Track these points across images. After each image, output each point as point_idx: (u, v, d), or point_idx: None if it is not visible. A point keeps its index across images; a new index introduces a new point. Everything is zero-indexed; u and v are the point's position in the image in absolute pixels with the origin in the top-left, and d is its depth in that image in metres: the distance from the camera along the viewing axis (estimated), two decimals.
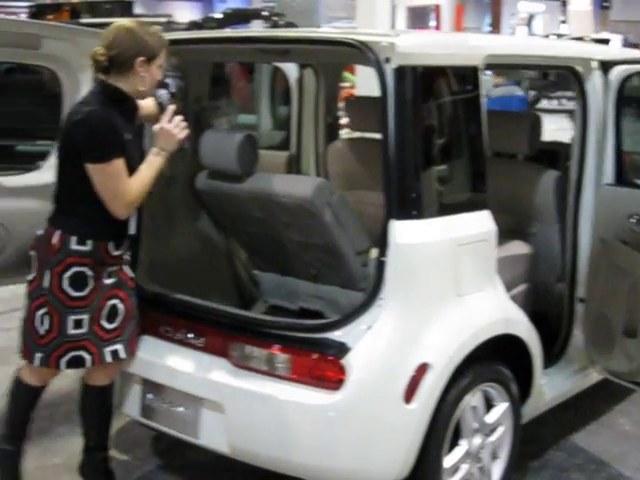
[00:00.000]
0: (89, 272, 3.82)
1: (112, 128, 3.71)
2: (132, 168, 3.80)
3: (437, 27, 42.93)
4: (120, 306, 3.94)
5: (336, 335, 3.65)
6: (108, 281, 3.90)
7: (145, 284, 4.34)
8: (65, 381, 5.50)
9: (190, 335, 4.03)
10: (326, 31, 4.73)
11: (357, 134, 5.79)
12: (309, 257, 4.55)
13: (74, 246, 3.79)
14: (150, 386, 4.13)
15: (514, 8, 63.10)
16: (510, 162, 5.31)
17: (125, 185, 3.75)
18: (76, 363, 3.92)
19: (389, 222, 3.63)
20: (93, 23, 15.62)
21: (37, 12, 30.14)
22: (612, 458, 4.84)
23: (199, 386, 3.92)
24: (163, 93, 4.03)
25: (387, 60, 3.60)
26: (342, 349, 3.59)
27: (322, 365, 3.62)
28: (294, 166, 5.90)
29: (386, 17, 10.85)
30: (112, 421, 4.29)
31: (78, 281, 3.81)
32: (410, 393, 3.58)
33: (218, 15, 20.72)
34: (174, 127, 3.88)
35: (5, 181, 4.21)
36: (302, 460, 3.67)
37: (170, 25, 17.25)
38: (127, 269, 4.03)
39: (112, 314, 3.92)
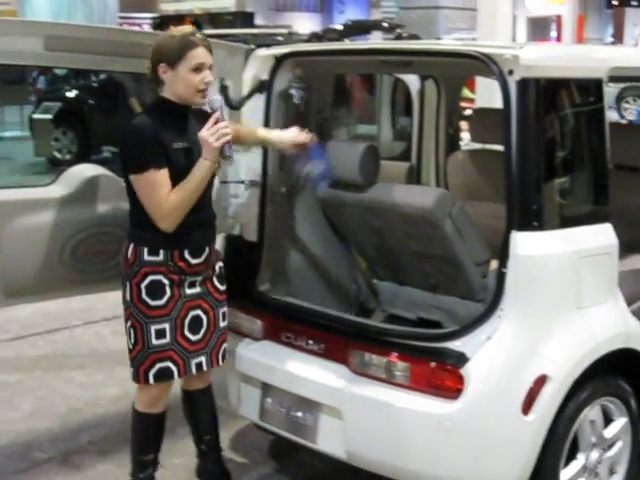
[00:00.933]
0: (165, 280, 3.83)
1: (148, 138, 3.68)
2: (182, 178, 3.76)
3: (558, 38, 42.51)
4: (203, 317, 3.97)
5: (455, 345, 3.68)
6: (190, 291, 3.92)
7: (267, 291, 4.44)
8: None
9: (310, 341, 4.10)
10: (449, 43, 4.76)
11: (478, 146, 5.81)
12: (428, 267, 4.58)
13: (147, 257, 3.82)
14: (270, 390, 4.22)
15: (637, 18, 61.96)
16: (634, 175, 5.24)
17: (160, 197, 3.69)
18: (164, 375, 3.94)
19: (510, 233, 3.65)
20: (215, 34, 15.94)
21: (160, 23, 30.91)
22: None
23: (318, 392, 3.99)
24: (216, 99, 3.84)
25: (510, 72, 3.62)
26: (461, 359, 3.61)
27: (441, 374, 3.65)
28: (414, 177, 5.94)
29: (507, 28, 10.79)
30: (218, 422, 4.38)
31: (155, 289, 3.83)
32: (528, 405, 3.58)
33: (338, 26, 20.83)
34: (211, 134, 3.72)
35: None
36: (417, 468, 3.70)
37: (291, 36, 17.44)
38: (217, 280, 4.04)
39: (195, 325, 3.94)
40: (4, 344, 6.72)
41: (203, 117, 3.84)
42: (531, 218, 3.65)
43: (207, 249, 3.96)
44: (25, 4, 38.43)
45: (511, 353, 3.62)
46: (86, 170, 4.23)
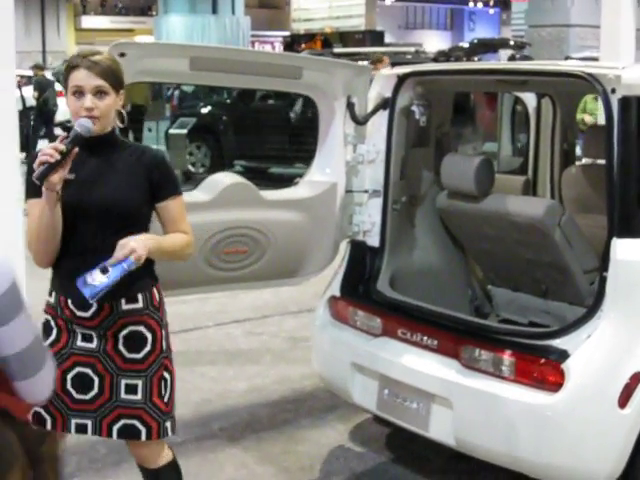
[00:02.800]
0: (52, 323, 3.50)
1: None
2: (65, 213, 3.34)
3: None
4: (94, 378, 3.46)
5: (558, 342, 3.98)
6: (83, 344, 3.45)
7: (386, 292, 4.81)
8: (310, 382, 6.07)
9: (425, 338, 4.44)
10: (560, 63, 5.05)
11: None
12: (539, 274, 4.89)
13: (48, 295, 3.56)
14: (387, 382, 4.57)
15: None
16: None
17: (29, 229, 3.39)
18: (37, 420, 3.39)
19: (611, 240, 3.94)
20: (346, 53, 16.42)
21: (292, 42, 31.61)
22: None
23: (431, 383, 4.33)
24: (81, 124, 3.27)
25: (613, 91, 3.93)
26: (563, 355, 3.92)
27: (544, 369, 3.96)
28: (530, 190, 6.22)
29: (631, 46, 10.89)
30: None
31: (46, 330, 3.50)
32: (625, 399, 3.86)
33: (465, 44, 21.13)
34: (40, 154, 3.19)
35: (268, 195, 4.76)
36: (521, 454, 4.01)
37: (418, 55, 17.79)
38: (123, 346, 3.46)
39: (80, 382, 3.45)
40: None
41: (125, 152, 3.49)
42: (630, 226, 3.94)
43: (95, 305, 3.39)
44: (161, 23, 39.78)
45: (609, 350, 3.91)
46: (225, 178, 4.67)
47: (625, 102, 3.92)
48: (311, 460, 5.07)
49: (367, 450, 5.22)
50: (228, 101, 17.57)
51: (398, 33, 48.21)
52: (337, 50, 18.98)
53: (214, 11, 39.73)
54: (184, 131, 16.72)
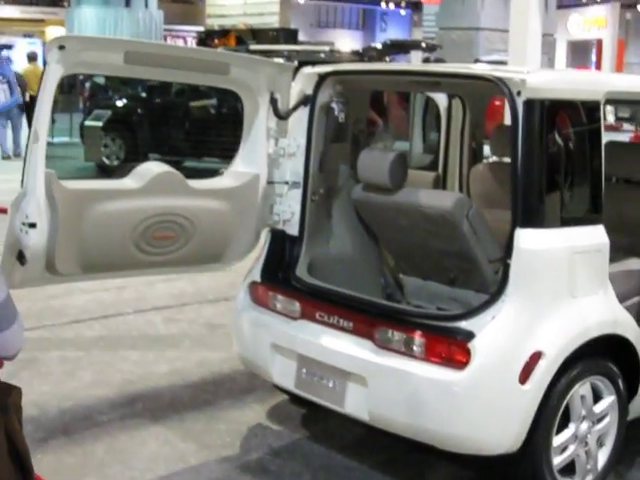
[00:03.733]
0: None
1: None
2: None
3: (598, 63, 42.77)
4: None
5: (464, 324, 4.32)
6: None
7: (305, 277, 5.09)
8: (228, 365, 6.35)
9: (341, 320, 4.74)
10: (470, 66, 5.40)
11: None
12: (448, 263, 5.22)
13: None
14: (305, 362, 4.86)
15: None
16: (631, 187, 5.87)
17: None
18: None
19: (515, 230, 4.29)
20: (260, 50, 16.66)
21: (206, 37, 31.68)
22: None
23: (347, 362, 4.63)
24: None
25: (518, 93, 4.28)
26: (469, 335, 4.25)
27: (451, 348, 4.29)
28: (440, 185, 6.58)
29: (537, 50, 11.41)
30: None
31: None
32: (525, 376, 4.21)
33: (378, 45, 21.52)
34: None
35: (194, 184, 5.01)
36: (430, 427, 4.34)
37: (333, 53, 18.10)
38: None
39: None
40: (63, 326, 7.39)
41: None
42: (532, 217, 4.30)
43: None
44: (73, 15, 39.48)
45: (511, 331, 4.27)
46: (155, 167, 4.90)
47: (529, 104, 4.27)
48: (231, 437, 5.34)
49: (284, 428, 5.51)
50: (143, 95, 17.68)
51: (310, 31, 48.52)
52: (252, 47, 19.18)
53: (127, 4, 39.58)
54: (99, 123, 16.80)
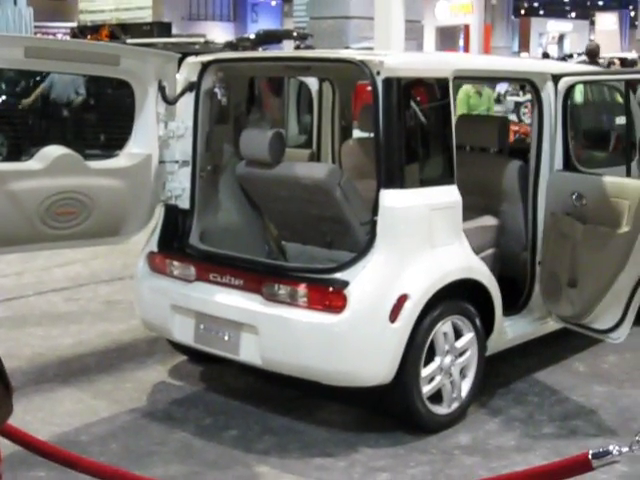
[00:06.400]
0: None
1: None
2: None
3: (466, 47, 44.02)
4: None
5: (340, 275, 4.98)
6: None
7: (198, 245, 5.68)
8: (128, 335, 6.90)
9: (233, 279, 5.34)
10: (337, 52, 6.06)
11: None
12: (324, 228, 5.86)
13: None
14: (202, 318, 5.46)
15: (542, 28, 64.20)
16: (484, 155, 6.63)
17: None
18: None
19: (380, 191, 4.97)
20: (138, 43, 17.06)
21: (79, 32, 31.81)
22: (564, 388, 6.06)
23: (240, 315, 5.25)
24: None
25: (378, 73, 4.95)
26: (344, 284, 4.92)
27: (330, 295, 4.95)
28: (315, 160, 7.23)
29: (400, 35, 12.13)
30: None
31: None
32: (394, 315, 4.90)
33: (251, 36, 22.12)
34: None
35: (92, 164, 5.55)
36: (315, 365, 4.99)
37: (207, 45, 18.60)
38: None
39: None
40: None
41: None
42: (393, 179, 4.99)
43: None
44: None
45: (380, 278, 4.95)
46: (56, 150, 5.42)
47: (387, 82, 4.95)
48: (138, 393, 5.90)
49: (185, 383, 6.10)
50: (18, 90, 17.88)
51: (182, 24, 48.66)
52: (129, 41, 19.55)
53: None
54: None
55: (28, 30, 39.81)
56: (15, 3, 39.98)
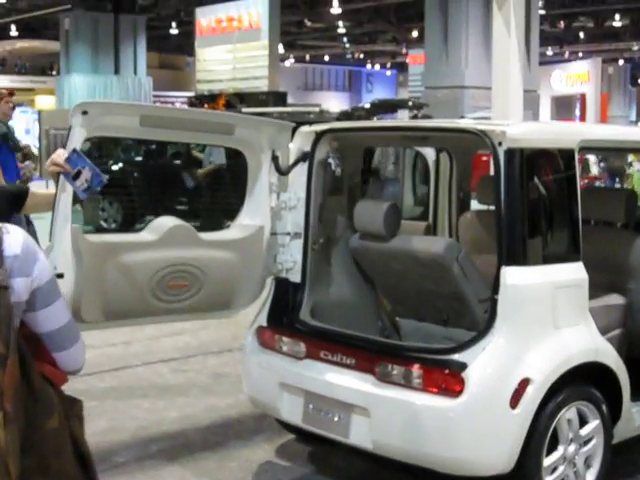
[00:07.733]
0: None
1: None
2: None
3: (582, 116, 43.48)
4: None
5: (458, 356, 4.71)
6: None
7: (308, 320, 5.48)
8: (235, 410, 6.71)
9: (344, 357, 5.12)
10: (456, 121, 5.86)
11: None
12: (441, 304, 5.62)
13: None
14: (311, 398, 5.23)
15: None
16: (609, 229, 6.30)
17: None
18: None
19: (501, 268, 4.71)
20: (254, 112, 17.17)
21: (197, 101, 32.44)
22: None
23: (351, 395, 5.01)
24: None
25: (500, 144, 4.71)
26: (462, 366, 4.64)
27: (447, 378, 4.68)
28: (431, 233, 7.00)
29: (518, 106, 11.94)
30: None
31: None
32: (515, 401, 4.60)
33: (366, 105, 22.13)
34: None
35: (204, 236, 5.42)
36: (429, 451, 4.71)
37: (322, 114, 18.63)
38: None
39: None
40: (74, 378, 7.61)
41: None
42: (516, 256, 4.71)
43: None
44: (63, 82, 40.23)
45: (501, 361, 4.66)
46: (168, 221, 5.31)
47: (510, 153, 4.71)
48: (243, 473, 5.70)
49: (292, 464, 5.87)
50: (138, 159, 18.13)
51: (297, 94, 49.35)
52: (246, 110, 19.74)
53: (116, 71, 40.49)
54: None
55: (147, 99, 40.80)
56: (135, 72, 41.16)
